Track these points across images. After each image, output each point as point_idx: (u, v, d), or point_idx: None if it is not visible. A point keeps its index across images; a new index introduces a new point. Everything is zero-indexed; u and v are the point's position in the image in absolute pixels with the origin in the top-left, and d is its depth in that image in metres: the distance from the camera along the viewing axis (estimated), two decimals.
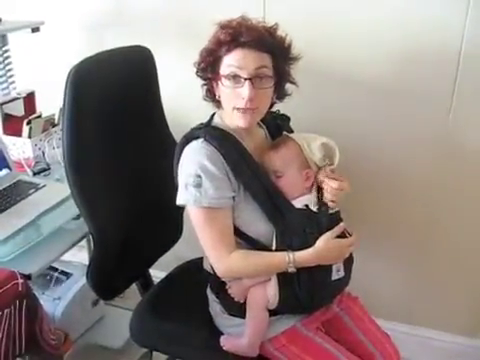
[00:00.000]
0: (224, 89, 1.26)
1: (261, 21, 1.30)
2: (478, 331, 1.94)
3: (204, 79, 1.34)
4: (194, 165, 1.25)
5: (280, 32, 1.31)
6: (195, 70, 1.33)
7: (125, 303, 1.99)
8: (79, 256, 2.10)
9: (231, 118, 1.29)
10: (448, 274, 1.88)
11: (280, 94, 1.37)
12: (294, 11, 1.71)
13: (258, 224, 1.27)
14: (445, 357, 1.95)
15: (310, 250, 1.24)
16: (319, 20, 1.70)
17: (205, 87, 1.35)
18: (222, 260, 1.26)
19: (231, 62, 1.24)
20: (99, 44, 1.50)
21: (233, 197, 1.27)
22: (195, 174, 1.23)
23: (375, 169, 1.80)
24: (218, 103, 1.34)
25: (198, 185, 1.23)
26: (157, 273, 1.73)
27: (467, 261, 1.84)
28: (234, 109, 1.26)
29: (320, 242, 1.25)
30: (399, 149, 1.76)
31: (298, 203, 1.29)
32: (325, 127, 1.60)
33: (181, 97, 1.67)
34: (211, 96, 1.35)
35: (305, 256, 1.24)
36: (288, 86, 1.38)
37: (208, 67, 1.29)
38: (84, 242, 1.99)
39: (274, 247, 1.27)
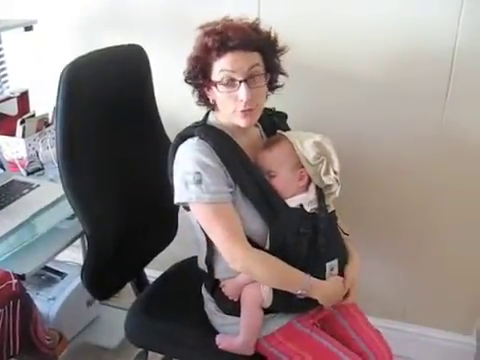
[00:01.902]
0: (220, 94, 1.26)
1: (243, 18, 1.29)
2: (472, 328, 1.95)
3: (195, 86, 1.33)
4: (192, 162, 1.25)
5: (263, 26, 1.31)
6: (184, 78, 1.33)
7: (120, 303, 1.99)
8: (74, 256, 2.10)
9: (230, 119, 1.29)
10: (442, 271, 1.88)
11: (272, 86, 1.36)
12: (289, 10, 1.70)
13: (252, 223, 1.27)
14: (439, 354, 1.95)
15: (324, 282, 1.29)
16: (313, 20, 1.69)
17: (196, 93, 1.35)
18: (237, 256, 1.25)
19: (223, 67, 1.23)
20: (93, 43, 1.50)
21: (231, 192, 1.27)
22: (194, 171, 1.23)
23: (369, 167, 1.80)
24: (213, 106, 1.34)
25: (198, 182, 1.23)
26: (152, 272, 1.73)
27: (460, 259, 1.84)
28: (235, 111, 1.26)
29: (336, 282, 1.32)
30: (393, 148, 1.76)
31: (292, 202, 1.29)
32: (320, 125, 1.61)
33: (175, 96, 1.66)
34: (204, 100, 1.34)
35: (318, 284, 1.28)
36: (280, 78, 1.38)
37: (199, 74, 1.29)
38: (79, 242, 1.98)
39: (268, 246, 1.27)
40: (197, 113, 1.38)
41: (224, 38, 1.22)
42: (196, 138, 1.28)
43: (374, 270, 1.89)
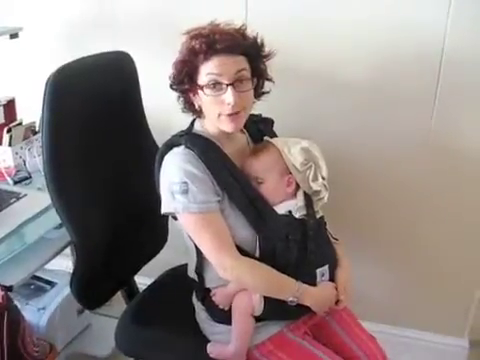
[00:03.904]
0: (206, 98, 1.25)
1: (230, 23, 1.29)
2: (463, 330, 1.95)
3: (180, 92, 1.32)
4: (178, 172, 1.24)
5: (249, 31, 1.31)
6: (170, 83, 1.32)
7: (112, 311, 1.96)
8: (65, 264, 2.08)
9: (216, 124, 1.29)
10: (432, 274, 1.89)
11: (258, 92, 1.36)
12: (276, 14, 1.70)
13: (241, 230, 1.26)
14: (431, 357, 1.95)
15: (315, 288, 1.28)
16: (301, 23, 1.69)
17: (182, 100, 1.34)
18: (227, 265, 1.24)
19: (210, 70, 1.23)
20: (79, 50, 1.48)
21: (218, 201, 1.26)
22: (181, 181, 1.22)
23: (358, 172, 1.80)
24: (198, 113, 1.33)
25: (185, 191, 1.22)
26: (142, 279, 1.72)
27: (451, 261, 1.85)
28: (220, 116, 1.25)
29: (327, 288, 1.31)
30: (382, 152, 1.77)
31: (281, 209, 1.28)
32: (307, 131, 1.61)
33: (163, 101, 1.65)
34: (190, 107, 1.33)
35: (309, 291, 1.27)
36: (267, 85, 1.37)
37: (185, 78, 1.28)
38: (68, 250, 1.97)
39: (257, 254, 1.26)
40: (186, 119, 1.37)
41: (211, 41, 1.22)
42: (182, 147, 1.27)
43: (364, 274, 1.89)
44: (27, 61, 2.04)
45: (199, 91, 1.26)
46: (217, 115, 1.26)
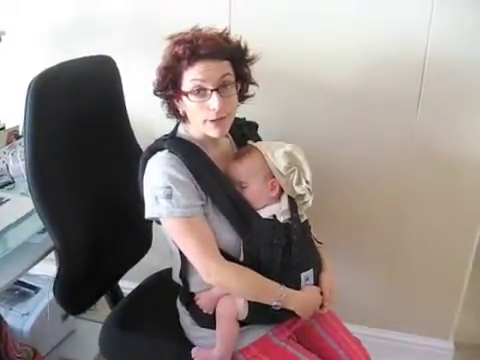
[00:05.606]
0: (191, 104, 1.24)
1: (212, 28, 1.29)
2: (449, 333, 1.97)
3: (164, 98, 1.31)
4: (162, 177, 1.23)
5: (232, 35, 1.31)
6: (154, 90, 1.30)
7: (97, 315, 1.95)
8: (49, 269, 2.06)
9: (202, 130, 1.28)
10: (417, 277, 1.90)
11: (242, 96, 1.36)
12: (259, 18, 1.70)
13: (225, 235, 1.26)
14: None
15: (299, 292, 1.28)
16: (285, 27, 1.69)
17: (166, 105, 1.33)
18: (211, 271, 1.23)
19: (194, 76, 1.22)
20: (62, 54, 1.47)
21: (202, 205, 1.26)
22: (164, 186, 1.22)
23: (343, 175, 1.81)
24: (183, 118, 1.32)
25: (169, 196, 1.21)
26: (127, 284, 1.70)
27: (436, 264, 1.86)
28: (206, 121, 1.25)
29: (312, 292, 1.31)
30: (366, 155, 1.77)
31: (265, 213, 1.28)
32: (292, 132, 1.61)
33: (146, 106, 1.65)
34: (175, 113, 1.32)
35: (294, 295, 1.27)
36: (250, 88, 1.37)
37: (169, 85, 1.27)
38: (53, 255, 1.95)
39: (242, 258, 1.26)
40: (170, 123, 1.36)
41: (194, 47, 1.21)
42: (165, 151, 1.26)
43: (349, 278, 1.90)
44: (9, 65, 2.02)
45: (183, 97, 1.25)
46: (202, 121, 1.25)
